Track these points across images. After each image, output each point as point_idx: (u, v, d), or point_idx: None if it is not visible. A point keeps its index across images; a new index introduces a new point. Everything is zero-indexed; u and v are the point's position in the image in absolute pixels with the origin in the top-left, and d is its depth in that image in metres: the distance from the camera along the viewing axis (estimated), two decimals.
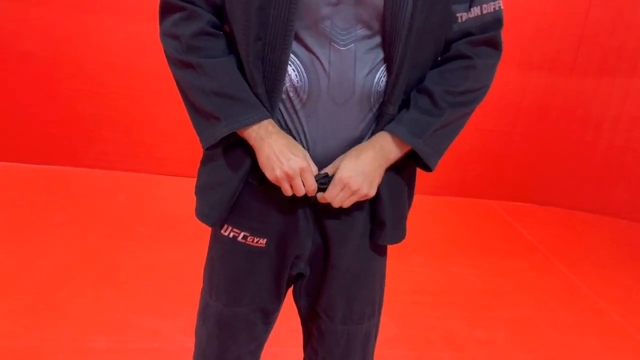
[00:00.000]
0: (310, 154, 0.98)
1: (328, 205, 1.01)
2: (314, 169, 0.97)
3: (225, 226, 1.07)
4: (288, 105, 0.96)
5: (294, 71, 0.94)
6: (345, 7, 0.91)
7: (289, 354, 1.74)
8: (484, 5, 0.97)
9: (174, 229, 2.73)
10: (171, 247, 2.61)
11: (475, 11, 0.97)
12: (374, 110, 0.99)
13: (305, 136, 0.98)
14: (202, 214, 1.07)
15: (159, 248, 2.60)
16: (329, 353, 1.16)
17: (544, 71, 3.74)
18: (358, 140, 1.00)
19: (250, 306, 1.11)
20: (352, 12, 0.91)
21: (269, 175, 0.96)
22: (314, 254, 1.09)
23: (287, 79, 0.94)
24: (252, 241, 1.06)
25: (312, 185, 0.96)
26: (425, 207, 3.59)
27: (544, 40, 3.66)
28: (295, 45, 0.93)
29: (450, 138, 1.04)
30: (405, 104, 1.00)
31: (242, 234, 1.06)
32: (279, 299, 1.14)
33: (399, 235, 1.10)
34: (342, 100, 0.95)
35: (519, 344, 2.24)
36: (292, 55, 0.93)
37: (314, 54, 0.93)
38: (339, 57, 0.93)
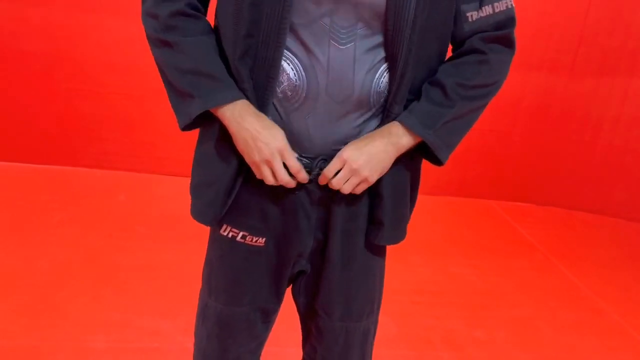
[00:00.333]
0: (308, 153, 0.98)
1: (328, 201, 1.00)
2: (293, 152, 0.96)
3: (224, 226, 1.07)
4: (285, 103, 0.96)
5: (292, 70, 0.93)
6: (345, 5, 0.90)
7: (288, 353, 1.74)
8: (496, 4, 0.98)
9: (174, 229, 2.73)
10: (171, 246, 2.61)
11: (487, 10, 0.98)
12: (374, 109, 0.99)
13: (303, 135, 0.98)
14: (198, 213, 1.06)
15: (159, 248, 2.60)
16: (327, 351, 1.15)
17: (544, 71, 3.74)
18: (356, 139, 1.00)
19: (250, 306, 1.11)
20: (352, 10, 0.91)
21: (247, 159, 0.96)
22: (314, 251, 1.08)
23: (284, 77, 0.94)
24: (251, 240, 1.06)
25: (295, 166, 0.94)
26: (424, 207, 3.58)
27: (544, 40, 3.66)
28: (293, 43, 0.93)
29: (462, 132, 1.04)
30: (410, 103, 1.00)
31: (240, 233, 1.05)
32: (278, 297, 1.13)
33: (397, 236, 1.09)
34: (340, 99, 0.95)
35: (518, 344, 2.24)
36: (290, 53, 0.93)
37: (312, 52, 0.92)
38: (338, 55, 0.92)
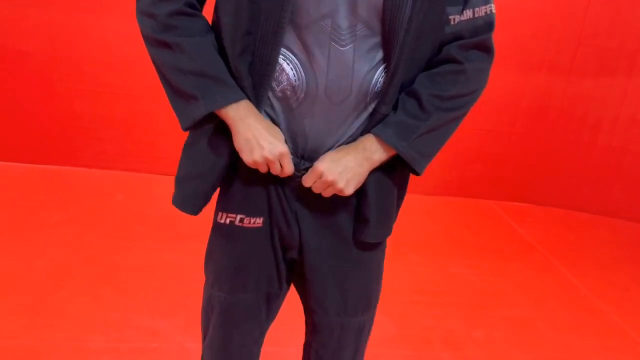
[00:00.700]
0: (305, 152, 0.99)
1: (307, 191, 1.01)
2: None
3: (220, 214, 1.08)
4: (284, 103, 0.96)
5: (292, 70, 0.93)
6: (346, 6, 0.90)
7: (288, 353, 1.74)
8: (477, 9, 0.97)
9: (172, 229, 2.73)
10: (169, 246, 2.61)
11: (468, 14, 0.97)
12: (369, 108, 0.99)
13: (300, 134, 0.98)
14: (181, 202, 1.07)
15: (157, 247, 2.60)
16: (322, 345, 1.16)
17: (543, 72, 3.75)
18: (353, 138, 1.00)
19: (254, 292, 1.12)
20: (352, 11, 0.91)
21: (245, 158, 0.96)
22: (301, 243, 1.09)
23: (284, 77, 0.94)
24: (250, 222, 1.06)
25: (290, 170, 0.98)
26: (424, 207, 3.60)
27: (543, 40, 3.67)
28: (294, 44, 0.93)
29: (439, 143, 1.03)
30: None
31: (238, 217, 1.06)
32: (280, 282, 1.14)
33: (382, 233, 1.09)
34: (339, 100, 0.95)
35: (517, 344, 2.24)
36: (290, 53, 0.93)
37: (313, 53, 0.93)
38: (338, 56, 0.93)
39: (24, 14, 3.15)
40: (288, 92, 0.95)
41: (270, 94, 0.97)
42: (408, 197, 1.18)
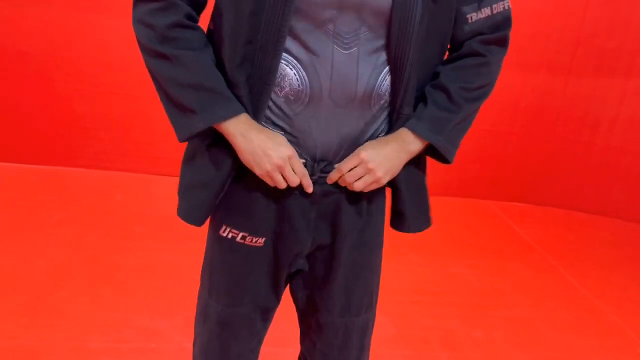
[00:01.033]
0: (311, 156, 0.99)
1: (331, 200, 1.01)
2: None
3: (224, 227, 1.07)
4: (288, 107, 0.96)
5: (295, 75, 0.93)
6: (349, 11, 0.91)
7: (288, 353, 1.74)
8: (494, 5, 1.01)
9: (171, 229, 2.72)
10: (168, 246, 2.61)
11: (486, 11, 1.00)
12: (374, 110, 0.99)
13: (306, 136, 0.98)
14: (187, 214, 1.06)
15: (156, 248, 2.60)
16: (327, 345, 1.16)
17: (542, 72, 3.75)
18: (358, 140, 1.01)
19: (250, 305, 1.12)
20: (356, 16, 0.91)
21: (258, 171, 0.96)
22: (315, 249, 1.09)
23: (287, 82, 0.94)
24: (251, 241, 1.06)
25: (302, 171, 0.97)
26: None
27: (542, 41, 3.67)
28: (297, 48, 0.93)
29: (464, 132, 1.08)
30: (417, 101, 1.03)
31: (240, 234, 1.06)
32: (277, 296, 1.14)
33: (421, 224, 1.14)
34: (343, 103, 0.96)
35: (516, 344, 2.24)
36: (293, 58, 0.93)
37: (316, 57, 0.92)
38: (342, 60, 0.93)
39: (24, 14, 3.15)
40: (292, 97, 0.95)
41: (273, 100, 0.96)
42: None
